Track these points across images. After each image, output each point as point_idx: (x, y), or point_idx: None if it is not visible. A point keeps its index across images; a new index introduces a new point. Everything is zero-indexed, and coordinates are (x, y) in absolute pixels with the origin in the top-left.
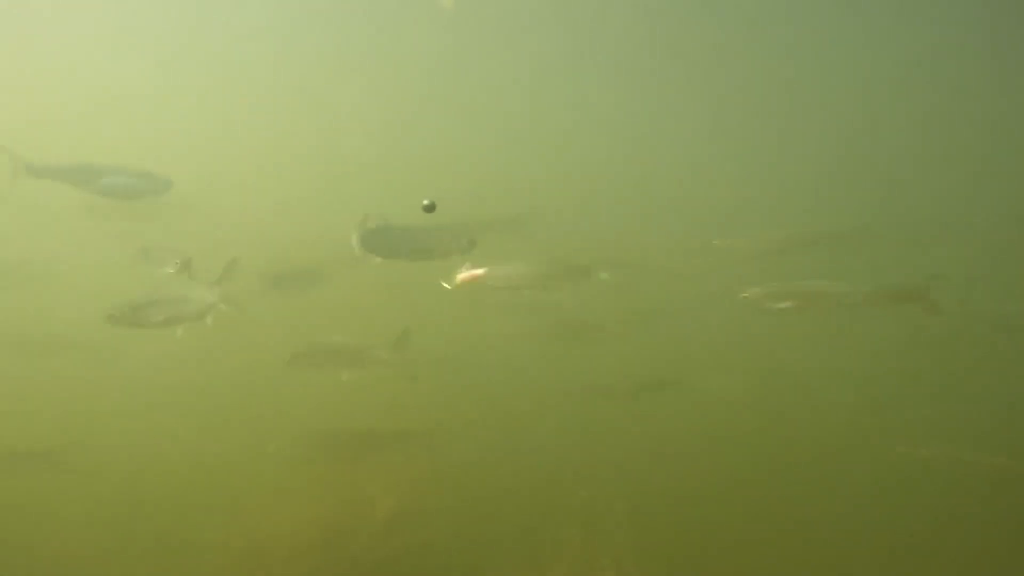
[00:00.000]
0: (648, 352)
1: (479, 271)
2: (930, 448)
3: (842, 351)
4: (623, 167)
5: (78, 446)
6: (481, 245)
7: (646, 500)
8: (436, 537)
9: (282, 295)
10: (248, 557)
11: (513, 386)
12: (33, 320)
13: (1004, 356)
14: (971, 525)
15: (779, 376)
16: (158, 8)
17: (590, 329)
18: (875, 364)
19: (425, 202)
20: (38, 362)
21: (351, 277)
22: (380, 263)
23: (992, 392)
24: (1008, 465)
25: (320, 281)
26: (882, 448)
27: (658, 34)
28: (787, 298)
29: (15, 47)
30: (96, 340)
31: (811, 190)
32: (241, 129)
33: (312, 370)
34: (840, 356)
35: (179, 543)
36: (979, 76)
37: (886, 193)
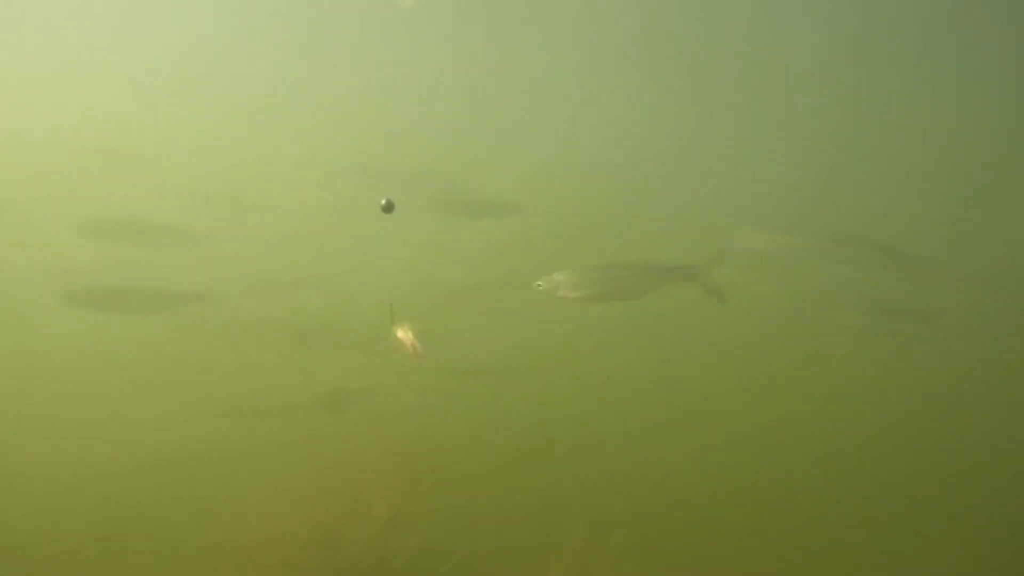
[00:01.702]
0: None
1: (418, 347)
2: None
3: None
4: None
5: (75, 443)
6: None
7: (647, 500)
8: (435, 538)
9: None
10: (247, 557)
11: (513, 387)
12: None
13: None
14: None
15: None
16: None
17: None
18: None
19: (383, 201)
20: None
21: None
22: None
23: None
24: None
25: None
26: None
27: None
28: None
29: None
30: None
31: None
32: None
33: None
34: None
35: (177, 543)
36: (979, 81)
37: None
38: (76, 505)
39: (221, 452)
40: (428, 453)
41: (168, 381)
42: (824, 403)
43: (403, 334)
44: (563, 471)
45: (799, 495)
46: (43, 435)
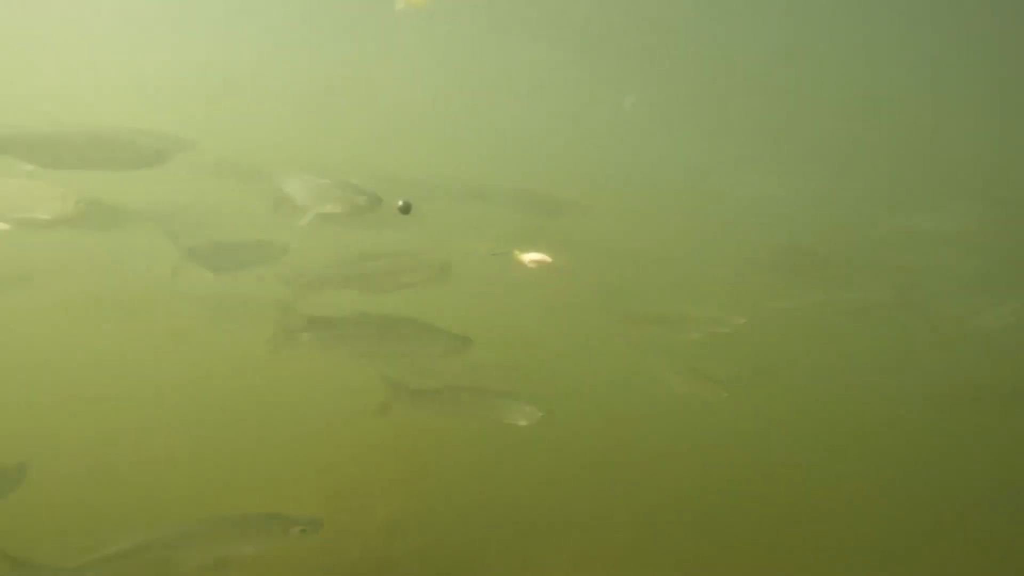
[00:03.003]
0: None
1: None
2: None
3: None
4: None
5: (74, 443)
6: None
7: (649, 500)
8: (437, 540)
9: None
10: (246, 558)
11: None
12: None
13: None
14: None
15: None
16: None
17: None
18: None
19: (400, 203)
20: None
21: None
22: None
23: None
24: None
25: None
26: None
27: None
28: None
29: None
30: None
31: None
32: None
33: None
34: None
35: None
36: (981, 82)
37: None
38: (74, 504)
39: (221, 452)
40: (429, 454)
41: (167, 379)
42: (828, 401)
43: (521, 257)
44: (564, 471)
45: (803, 494)
46: (44, 432)
